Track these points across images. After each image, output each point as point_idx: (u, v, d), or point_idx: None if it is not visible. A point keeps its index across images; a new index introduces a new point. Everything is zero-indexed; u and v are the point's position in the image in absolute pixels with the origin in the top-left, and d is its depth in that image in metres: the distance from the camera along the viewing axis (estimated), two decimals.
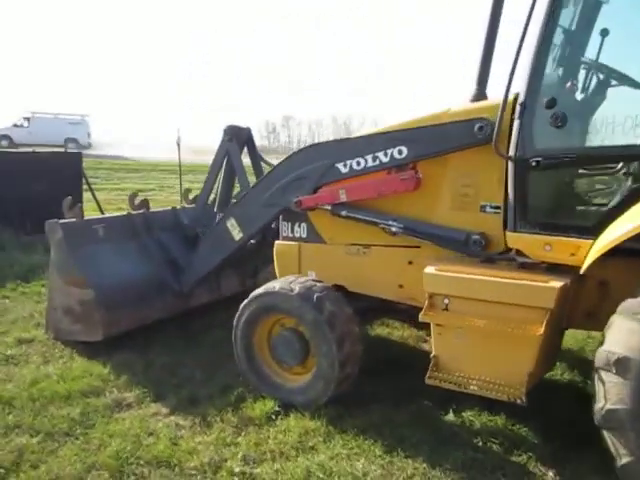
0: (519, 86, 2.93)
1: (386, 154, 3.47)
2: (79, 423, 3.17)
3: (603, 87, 3.20)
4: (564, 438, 3.01)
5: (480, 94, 3.48)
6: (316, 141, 6.00)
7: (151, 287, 4.55)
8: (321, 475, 2.70)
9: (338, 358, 3.24)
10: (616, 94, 3.14)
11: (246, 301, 3.55)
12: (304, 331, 3.41)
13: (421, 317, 3.05)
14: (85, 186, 8.05)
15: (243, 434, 3.10)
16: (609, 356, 2.39)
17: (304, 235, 3.99)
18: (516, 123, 2.91)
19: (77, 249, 4.26)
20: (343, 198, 3.66)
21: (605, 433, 2.44)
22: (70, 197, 4.56)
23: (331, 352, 3.24)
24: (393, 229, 3.44)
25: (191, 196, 5.71)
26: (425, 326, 4.07)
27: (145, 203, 5.05)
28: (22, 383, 3.63)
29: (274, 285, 3.47)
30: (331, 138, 4.90)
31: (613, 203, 2.75)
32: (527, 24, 2.77)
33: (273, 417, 3.26)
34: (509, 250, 3.18)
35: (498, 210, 3.17)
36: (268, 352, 3.60)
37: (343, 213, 3.65)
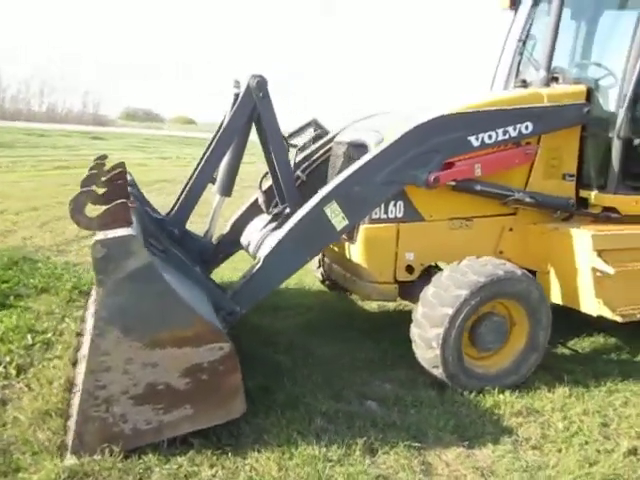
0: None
1: (515, 128, 3.65)
2: None
3: None
4: None
5: (549, 79, 4.09)
6: None
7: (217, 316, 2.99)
8: None
9: (550, 326, 3.39)
10: None
11: (464, 296, 3.09)
12: (503, 311, 3.36)
13: None
14: None
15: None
16: None
17: (400, 214, 3.64)
18: (622, 111, 3.79)
19: (171, 281, 2.37)
20: (478, 172, 3.60)
21: None
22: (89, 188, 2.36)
23: (548, 322, 3.36)
24: (527, 199, 3.71)
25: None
26: None
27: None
28: None
29: (495, 272, 3.17)
30: None
31: None
32: None
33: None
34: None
35: (572, 178, 4.00)
36: (462, 344, 3.28)
37: (477, 188, 3.60)
